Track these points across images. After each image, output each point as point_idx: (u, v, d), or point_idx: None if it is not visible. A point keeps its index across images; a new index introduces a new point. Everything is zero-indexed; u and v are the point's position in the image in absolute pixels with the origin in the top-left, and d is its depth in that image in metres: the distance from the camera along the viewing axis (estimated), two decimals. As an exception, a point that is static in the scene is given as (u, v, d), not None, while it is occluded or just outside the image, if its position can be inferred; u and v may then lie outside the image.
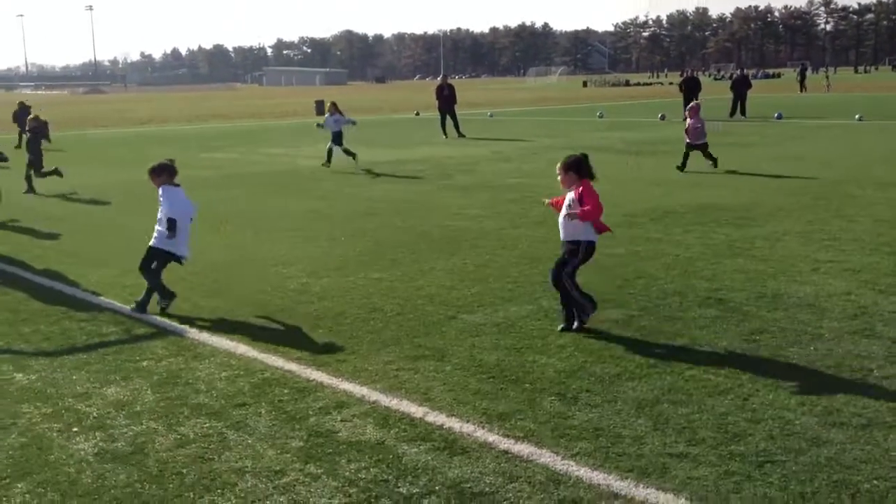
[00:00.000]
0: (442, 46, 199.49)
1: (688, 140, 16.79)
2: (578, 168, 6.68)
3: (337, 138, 19.14)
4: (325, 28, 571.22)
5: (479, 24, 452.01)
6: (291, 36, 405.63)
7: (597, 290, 7.78)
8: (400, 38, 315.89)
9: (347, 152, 18.89)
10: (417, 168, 18.66)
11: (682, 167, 16.44)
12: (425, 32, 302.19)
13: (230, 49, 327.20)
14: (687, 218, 11.42)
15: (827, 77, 61.56)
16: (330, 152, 18.95)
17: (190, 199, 7.87)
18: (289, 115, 46.12)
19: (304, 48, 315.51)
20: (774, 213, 11.51)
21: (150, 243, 7.63)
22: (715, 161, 16.66)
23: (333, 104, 19.87)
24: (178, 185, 7.78)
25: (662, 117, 32.78)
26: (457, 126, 27.47)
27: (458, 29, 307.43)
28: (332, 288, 8.23)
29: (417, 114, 42.06)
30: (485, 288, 8.05)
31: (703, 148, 16.76)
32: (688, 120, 17.22)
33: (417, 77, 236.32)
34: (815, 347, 6.05)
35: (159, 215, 7.59)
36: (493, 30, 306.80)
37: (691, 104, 17.76)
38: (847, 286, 7.63)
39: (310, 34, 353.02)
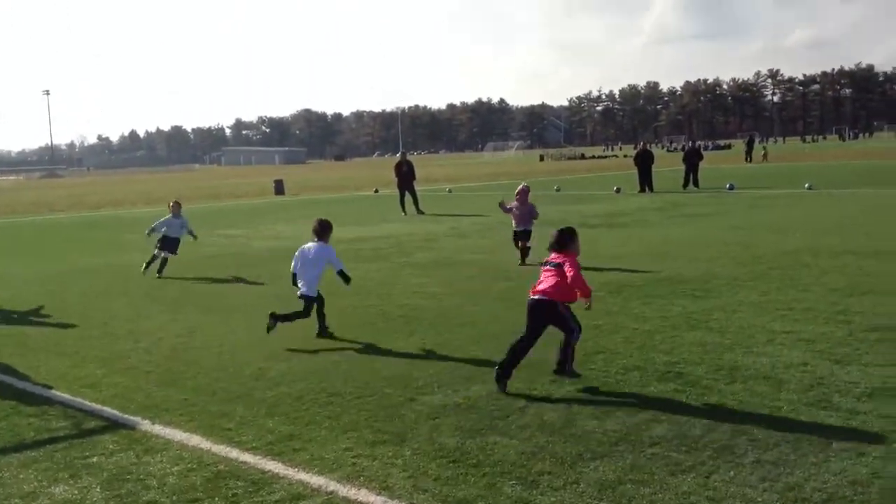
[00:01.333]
0: (400, 123, 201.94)
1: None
2: (569, 239, 7.56)
3: (172, 245, 15.53)
4: (283, 107, 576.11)
5: (437, 101, 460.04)
6: (250, 116, 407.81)
7: (549, 367, 7.77)
8: (359, 115, 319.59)
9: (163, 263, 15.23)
10: (377, 246, 18.67)
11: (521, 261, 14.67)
12: (383, 110, 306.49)
13: (189, 130, 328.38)
14: (645, 290, 11.50)
15: (764, 148, 63.31)
16: (154, 259, 15.29)
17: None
18: (247, 196, 46.09)
19: (263, 127, 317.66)
20: (730, 284, 11.63)
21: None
22: (523, 257, 14.70)
23: (178, 203, 16.05)
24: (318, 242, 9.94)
25: (618, 190, 33.27)
26: (416, 203, 27.62)
27: (416, 106, 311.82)
28: (289, 372, 8.11)
29: (376, 191, 42.29)
30: (445, 367, 7.98)
31: (525, 237, 14.89)
32: (513, 203, 15.26)
33: (376, 154, 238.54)
34: (774, 420, 6.05)
35: (309, 265, 9.74)
36: (451, 106, 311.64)
37: (520, 187, 15.48)
38: (803, 357, 7.68)
39: (268, 114, 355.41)
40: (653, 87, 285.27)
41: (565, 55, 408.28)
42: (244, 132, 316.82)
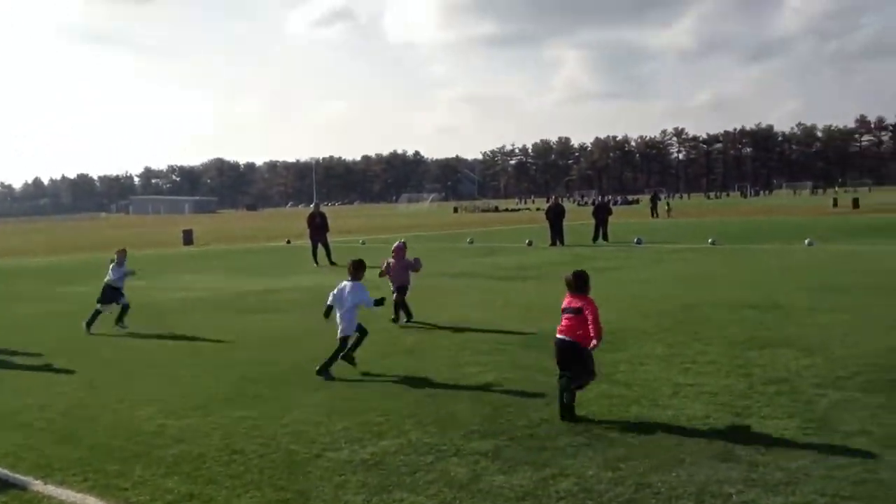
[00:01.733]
0: (314, 174, 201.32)
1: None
2: (586, 283, 8.26)
3: (114, 296, 14.61)
4: (194, 156, 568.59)
5: (351, 152, 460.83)
6: (160, 164, 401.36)
7: (467, 419, 7.76)
8: (272, 165, 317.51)
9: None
10: (289, 297, 18.43)
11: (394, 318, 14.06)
12: (297, 160, 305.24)
13: (95, 178, 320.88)
14: (554, 343, 11.59)
15: (668, 204, 65.41)
16: (96, 315, 14.45)
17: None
18: (154, 245, 45.08)
19: (173, 176, 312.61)
20: (637, 337, 11.83)
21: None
22: (397, 316, 14.00)
23: (123, 251, 15.24)
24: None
25: (530, 243, 33.70)
26: (328, 254, 27.44)
27: (331, 157, 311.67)
28: (191, 429, 7.87)
29: (289, 242, 41.90)
30: (352, 423, 7.87)
31: (402, 292, 14.21)
32: (389, 260, 14.50)
33: (290, 204, 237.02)
34: (677, 473, 6.13)
35: (345, 304, 10.28)
36: (366, 157, 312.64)
37: (396, 244, 14.84)
38: (706, 410, 7.83)
39: (179, 162, 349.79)
40: (564, 142, 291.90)
41: (480, 109, 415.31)
42: (153, 181, 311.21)
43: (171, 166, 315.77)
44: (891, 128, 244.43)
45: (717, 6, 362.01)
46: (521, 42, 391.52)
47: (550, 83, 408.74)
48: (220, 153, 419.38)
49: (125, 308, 14.61)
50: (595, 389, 8.78)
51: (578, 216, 52.20)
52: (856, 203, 63.64)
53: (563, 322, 8.08)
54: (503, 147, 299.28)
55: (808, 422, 7.31)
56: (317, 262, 27.10)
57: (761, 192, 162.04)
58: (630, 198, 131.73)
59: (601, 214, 35.32)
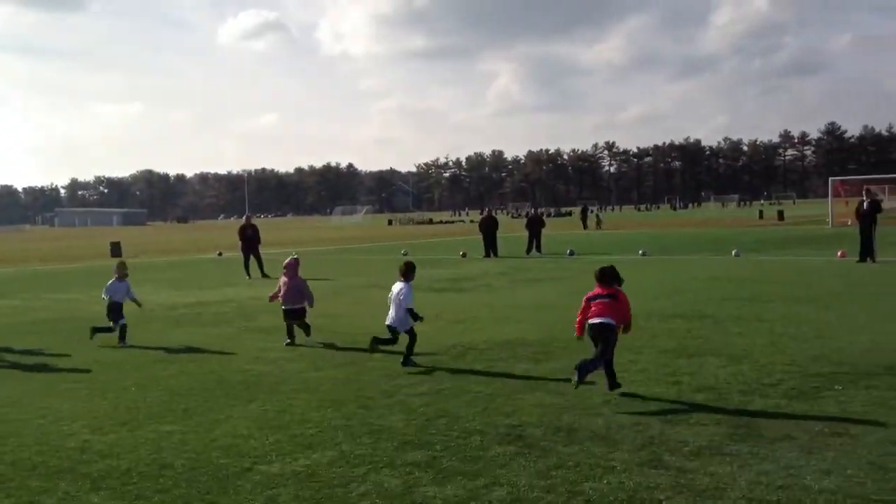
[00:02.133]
0: (246, 186, 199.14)
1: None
2: (615, 275, 9.54)
3: (115, 312, 13.90)
4: (123, 168, 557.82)
5: (285, 164, 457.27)
6: (87, 176, 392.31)
7: (400, 430, 7.73)
8: (203, 177, 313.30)
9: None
10: (219, 310, 18.16)
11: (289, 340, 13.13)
12: (229, 172, 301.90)
13: (19, 189, 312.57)
14: (489, 354, 11.64)
15: (598, 216, 66.39)
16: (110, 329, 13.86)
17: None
18: (81, 259, 44.02)
19: (101, 188, 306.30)
20: (569, 347, 11.92)
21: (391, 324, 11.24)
22: (292, 338, 12.95)
23: (122, 264, 14.80)
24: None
25: (464, 255, 33.81)
26: (261, 266, 27.14)
27: (263, 169, 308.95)
28: (117, 444, 7.68)
29: (220, 254, 41.31)
30: (284, 435, 7.77)
31: (294, 315, 13.10)
32: (281, 279, 13.41)
33: (221, 217, 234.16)
34: (608, 481, 6.19)
35: (399, 303, 11.19)
36: (299, 170, 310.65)
37: (288, 259, 13.56)
38: (636, 417, 7.93)
39: (107, 174, 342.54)
40: (498, 155, 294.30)
41: (415, 122, 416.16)
42: (80, 193, 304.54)
43: (99, 178, 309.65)
44: (813, 142, 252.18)
45: (646, 24, 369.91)
46: (455, 55, 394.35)
47: (484, 96, 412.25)
48: (150, 165, 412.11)
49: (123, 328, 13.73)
50: (528, 399, 8.84)
51: (512, 228, 52.57)
52: (780, 215, 65.37)
53: (595, 308, 9.32)
54: (437, 160, 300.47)
55: (735, 428, 7.45)
56: (249, 275, 26.77)
57: (690, 205, 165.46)
58: (563, 210, 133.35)
59: (534, 226, 35.62)
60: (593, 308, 9.34)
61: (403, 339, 11.31)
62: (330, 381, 10.22)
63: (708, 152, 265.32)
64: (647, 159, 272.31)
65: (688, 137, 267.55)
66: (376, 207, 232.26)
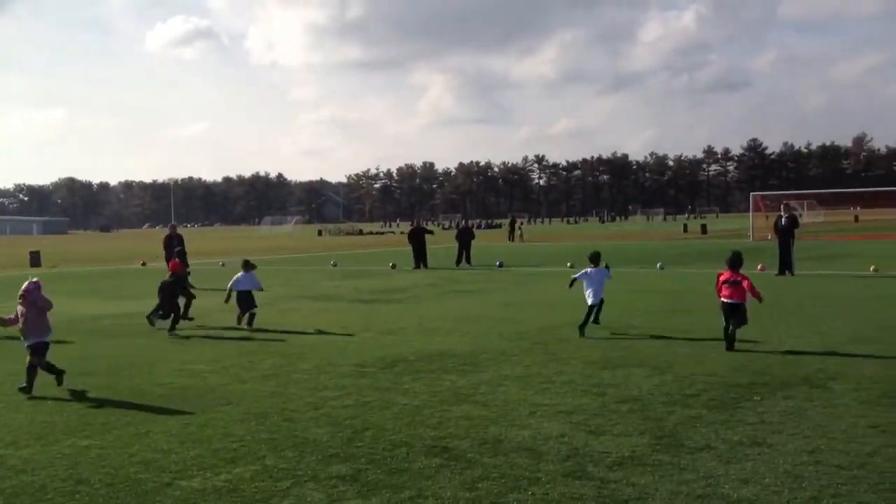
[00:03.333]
0: (172, 195, 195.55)
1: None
2: (742, 262, 12.67)
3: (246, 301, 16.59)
4: (44, 175, 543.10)
5: (212, 174, 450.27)
6: (6, 183, 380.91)
7: (325, 443, 7.65)
8: (127, 185, 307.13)
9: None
10: (142, 321, 17.75)
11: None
12: (154, 181, 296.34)
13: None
14: (416, 366, 11.61)
15: (520, 228, 66.92)
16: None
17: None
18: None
19: (21, 196, 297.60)
20: (497, 358, 11.98)
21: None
22: (30, 385, 10.37)
23: (246, 261, 17.78)
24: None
25: (393, 266, 33.74)
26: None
27: (190, 178, 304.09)
28: (33, 459, 7.43)
29: (144, 264, 40.47)
30: (206, 449, 7.62)
31: (39, 351, 10.56)
32: (18, 308, 10.73)
33: (146, 226, 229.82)
34: (533, 492, 6.21)
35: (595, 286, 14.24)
36: (227, 179, 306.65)
37: (26, 284, 10.69)
38: (561, 428, 7.99)
39: (27, 181, 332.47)
40: (429, 166, 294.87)
41: (346, 132, 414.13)
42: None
43: (19, 185, 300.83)
44: (735, 158, 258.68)
45: (576, 39, 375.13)
46: (387, 66, 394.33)
47: (416, 107, 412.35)
48: (73, 172, 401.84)
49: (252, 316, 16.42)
50: (455, 411, 8.84)
51: (442, 240, 52.70)
52: (704, 229, 66.76)
53: (726, 291, 12.34)
54: (369, 170, 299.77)
55: (658, 438, 7.56)
56: (174, 285, 26.24)
57: (618, 218, 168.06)
58: (493, 222, 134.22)
59: (464, 238, 35.75)
60: (724, 290, 12.43)
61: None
62: (254, 393, 10.06)
63: (635, 166, 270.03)
64: (576, 173, 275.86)
65: (615, 152, 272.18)
66: (306, 218, 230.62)
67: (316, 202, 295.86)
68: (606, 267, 14.88)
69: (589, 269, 14.54)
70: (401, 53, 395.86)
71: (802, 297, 19.02)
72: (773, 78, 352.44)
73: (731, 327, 12.15)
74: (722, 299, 12.37)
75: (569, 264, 31.55)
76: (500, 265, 32.87)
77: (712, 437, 7.54)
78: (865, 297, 18.30)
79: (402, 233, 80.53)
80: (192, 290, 18.27)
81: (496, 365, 11.50)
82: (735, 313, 12.21)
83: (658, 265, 29.46)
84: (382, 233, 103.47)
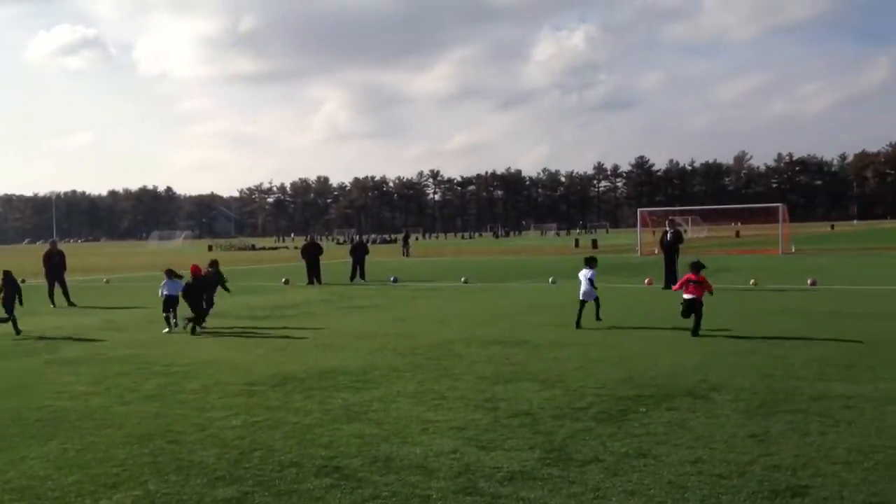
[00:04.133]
0: (54, 209, 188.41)
1: None
2: (702, 267, 15.61)
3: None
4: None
5: (98, 187, 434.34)
6: None
7: (212, 465, 7.45)
8: (6, 199, 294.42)
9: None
10: (19, 341, 16.99)
11: None
12: (36, 194, 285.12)
13: None
14: (308, 383, 11.45)
15: (407, 242, 67.13)
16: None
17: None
18: None
19: None
20: (389, 375, 11.92)
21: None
22: None
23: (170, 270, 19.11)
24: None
25: (286, 281, 33.30)
26: (66, 294, 25.74)
27: (74, 191, 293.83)
28: None
29: (23, 281, 38.72)
30: (85, 475, 7.31)
31: None
32: None
33: (27, 241, 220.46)
34: (424, 510, 6.18)
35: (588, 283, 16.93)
36: (113, 193, 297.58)
37: None
38: (453, 444, 7.99)
39: None
40: (323, 181, 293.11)
41: (239, 146, 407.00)
42: None
43: None
44: (624, 175, 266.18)
45: (471, 56, 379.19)
46: (282, 79, 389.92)
47: (311, 122, 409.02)
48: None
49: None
50: (346, 429, 8.74)
51: (336, 255, 52.32)
52: (594, 244, 68.35)
53: (692, 289, 15.25)
54: (261, 185, 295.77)
55: (548, 452, 7.64)
56: (53, 304, 25.33)
57: (511, 233, 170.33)
58: (388, 237, 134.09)
59: (358, 253, 35.57)
60: (690, 288, 15.30)
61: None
62: (137, 415, 9.73)
63: (528, 182, 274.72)
64: (471, 188, 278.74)
65: (509, 167, 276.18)
66: (196, 233, 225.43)
67: (207, 216, 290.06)
68: (590, 268, 17.29)
69: (583, 271, 17.24)
70: (296, 67, 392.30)
71: (687, 310, 19.60)
72: (659, 97, 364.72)
73: (695, 321, 15.07)
74: (685, 296, 15.30)
75: (463, 279, 31.76)
76: (395, 280, 32.84)
77: (600, 450, 7.67)
78: (745, 310, 19.01)
79: (295, 248, 79.64)
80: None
81: (389, 381, 11.44)
82: (695, 307, 15.10)
83: (550, 279, 29.95)
84: (275, 248, 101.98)
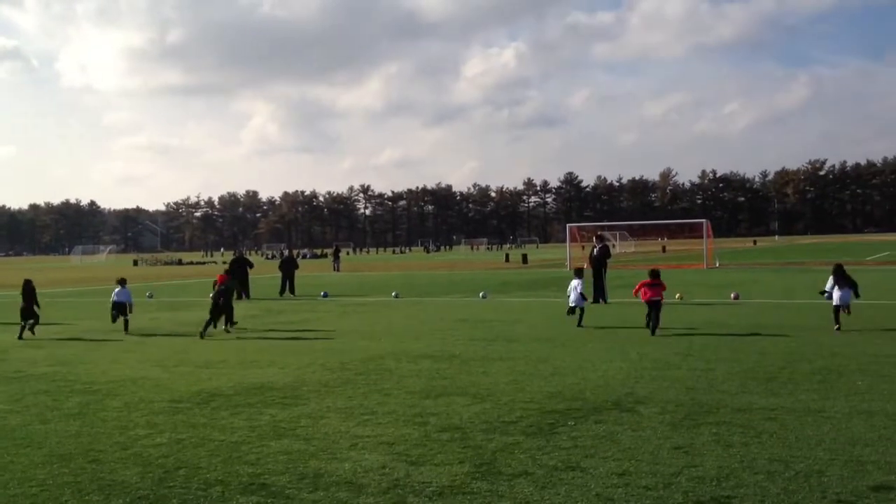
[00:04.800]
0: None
1: None
2: (659, 273, 18.30)
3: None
4: None
5: (18, 201, 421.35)
6: None
7: (133, 486, 7.27)
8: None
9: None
10: (-69, 359, 16.36)
11: None
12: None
13: None
14: (235, 400, 11.27)
15: (337, 257, 66.83)
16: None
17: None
18: None
19: None
20: (319, 391, 11.81)
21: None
22: None
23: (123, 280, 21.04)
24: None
25: (214, 296, 32.75)
26: (-15, 310, 24.84)
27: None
28: None
29: (-62, 296, 37.42)
30: (2, 496, 7.07)
31: None
32: None
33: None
34: (353, 527, 6.12)
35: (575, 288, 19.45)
36: (34, 206, 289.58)
37: None
38: (383, 460, 7.95)
39: None
40: (252, 195, 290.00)
41: (166, 160, 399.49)
42: None
43: None
44: (553, 190, 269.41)
45: (401, 72, 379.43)
46: (210, 92, 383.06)
47: (240, 135, 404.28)
48: None
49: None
50: (274, 446, 8.62)
51: (266, 270, 51.74)
52: (524, 259, 68.93)
53: (649, 292, 17.69)
54: (188, 198, 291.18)
55: (477, 467, 7.65)
56: (-29, 319, 24.45)
57: (442, 248, 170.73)
58: (318, 251, 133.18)
59: (288, 268, 35.25)
60: (648, 291, 17.75)
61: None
62: (57, 434, 9.44)
63: (459, 197, 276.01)
64: (402, 203, 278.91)
65: (440, 182, 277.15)
66: (122, 247, 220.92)
67: (132, 230, 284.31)
68: (578, 278, 19.84)
69: (573, 282, 19.77)
70: (224, 80, 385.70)
71: (614, 323, 19.90)
72: (588, 114, 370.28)
73: (652, 320, 17.45)
74: (644, 299, 17.88)
75: (393, 294, 31.70)
76: (325, 295, 32.62)
77: (529, 463, 7.71)
78: (671, 324, 19.36)
79: (224, 263, 78.57)
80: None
81: (318, 397, 11.34)
82: (655, 307, 17.58)
83: (481, 294, 30.08)
84: (203, 262, 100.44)
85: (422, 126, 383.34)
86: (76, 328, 22.24)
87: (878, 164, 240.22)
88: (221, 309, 20.16)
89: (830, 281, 17.71)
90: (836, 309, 17.31)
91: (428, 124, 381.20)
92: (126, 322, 20.62)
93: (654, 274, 18.13)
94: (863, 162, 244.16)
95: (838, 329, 16.95)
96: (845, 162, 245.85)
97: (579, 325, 18.96)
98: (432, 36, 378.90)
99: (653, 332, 17.09)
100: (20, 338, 19.40)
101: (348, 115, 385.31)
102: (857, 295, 17.52)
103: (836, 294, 17.37)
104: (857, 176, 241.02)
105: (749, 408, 9.92)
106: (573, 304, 19.39)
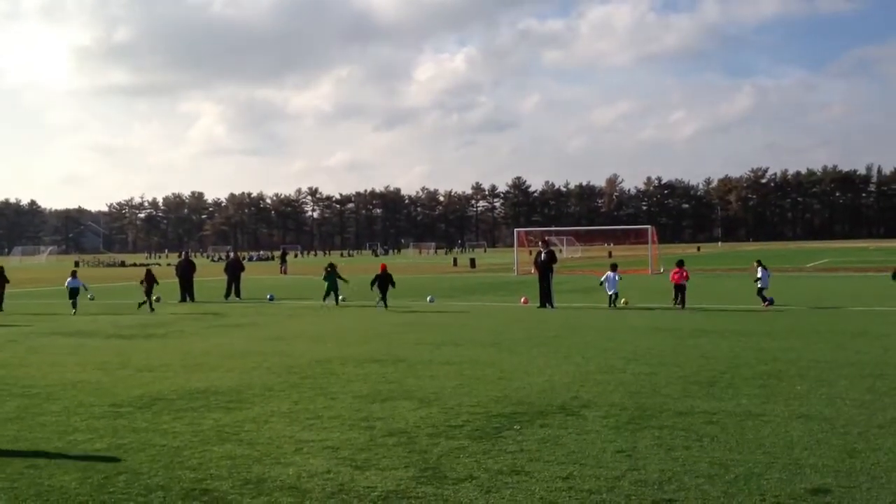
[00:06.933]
0: None
1: None
2: (684, 263, 25.85)
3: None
4: None
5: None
6: None
7: (73, 491, 7.13)
8: None
9: None
10: None
11: None
12: None
13: None
14: (178, 404, 11.11)
15: (284, 260, 66.11)
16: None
17: None
18: None
19: None
20: (264, 394, 11.71)
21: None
22: None
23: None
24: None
25: (158, 299, 32.25)
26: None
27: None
28: None
29: None
30: (-68, 505, 6.87)
31: None
32: None
33: None
34: (296, 532, 6.07)
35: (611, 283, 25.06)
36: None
37: None
38: (327, 464, 7.90)
39: None
40: (198, 196, 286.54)
41: (109, 160, 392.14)
42: None
43: None
44: (502, 195, 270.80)
45: (352, 75, 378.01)
46: (156, 93, 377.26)
47: (186, 136, 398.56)
48: None
49: None
50: (217, 450, 8.52)
51: (211, 272, 51.13)
52: (473, 263, 69.09)
53: (676, 276, 24.59)
54: (132, 199, 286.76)
55: (423, 471, 7.64)
56: None
57: (391, 251, 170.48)
58: (265, 254, 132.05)
59: (234, 271, 34.89)
60: (675, 275, 24.28)
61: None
62: (-7, 439, 9.22)
63: (407, 201, 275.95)
64: (350, 206, 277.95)
65: (389, 186, 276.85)
66: (63, 248, 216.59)
67: (73, 231, 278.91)
68: (614, 271, 25.63)
69: (609, 274, 25.40)
70: (171, 80, 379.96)
71: (560, 328, 20.05)
72: (537, 120, 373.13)
73: (679, 299, 24.47)
74: (674, 282, 24.81)
75: (341, 297, 31.53)
76: (271, 298, 32.36)
77: (474, 468, 7.72)
78: (616, 328, 19.58)
79: (168, 265, 77.48)
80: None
81: (263, 401, 11.23)
82: (681, 289, 24.46)
83: (428, 298, 30.07)
84: (147, 264, 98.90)
85: (372, 129, 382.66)
86: (15, 331, 21.73)
87: (818, 173, 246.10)
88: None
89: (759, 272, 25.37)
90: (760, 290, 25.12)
91: (379, 128, 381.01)
92: (75, 302, 26.54)
93: (680, 263, 24.99)
94: (803, 171, 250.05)
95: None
96: (787, 170, 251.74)
97: (614, 304, 25.19)
98: (383, 40, 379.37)
99: (682, 307, 24.07)
100: None
101: (298, 118, 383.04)
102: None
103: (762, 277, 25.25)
104: (797, 184, 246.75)
105: (691, 411, 10.07)
106: (611, 292, 25.24)
